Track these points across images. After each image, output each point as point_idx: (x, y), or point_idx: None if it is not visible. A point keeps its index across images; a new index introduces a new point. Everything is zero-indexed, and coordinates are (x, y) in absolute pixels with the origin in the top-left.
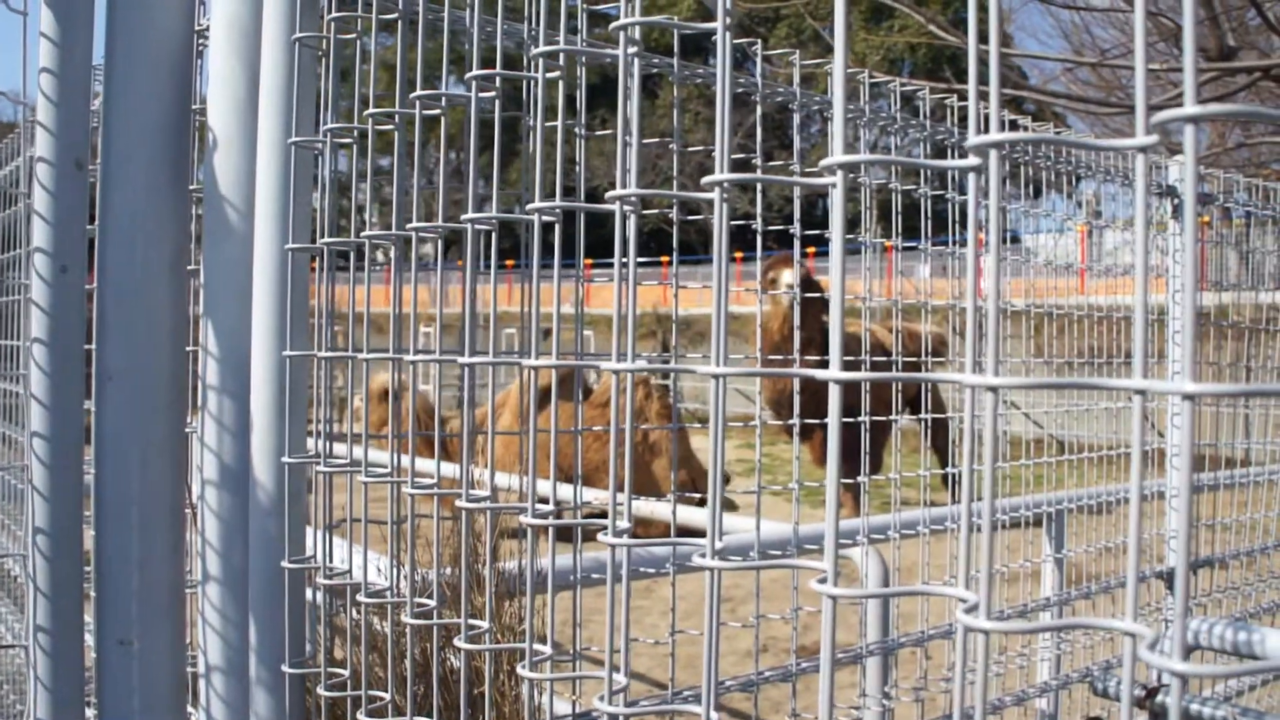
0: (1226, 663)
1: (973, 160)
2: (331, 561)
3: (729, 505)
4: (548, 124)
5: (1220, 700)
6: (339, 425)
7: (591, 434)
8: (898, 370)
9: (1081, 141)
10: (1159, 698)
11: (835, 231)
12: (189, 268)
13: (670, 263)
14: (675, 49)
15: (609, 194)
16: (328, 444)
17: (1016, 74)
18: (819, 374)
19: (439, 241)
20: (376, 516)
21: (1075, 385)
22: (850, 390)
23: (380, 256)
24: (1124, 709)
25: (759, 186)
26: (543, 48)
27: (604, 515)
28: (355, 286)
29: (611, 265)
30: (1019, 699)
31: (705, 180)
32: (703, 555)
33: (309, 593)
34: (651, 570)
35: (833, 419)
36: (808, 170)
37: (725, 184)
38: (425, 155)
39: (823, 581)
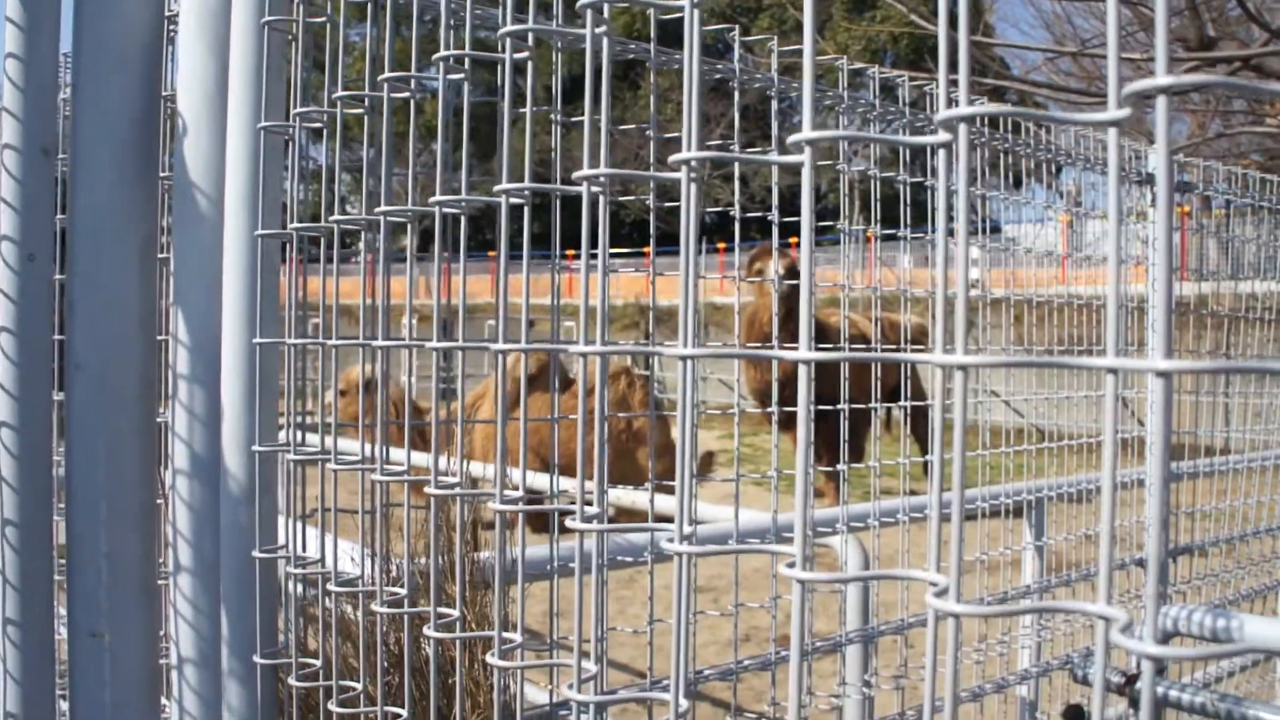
0: (1206, 649)
1: (943, 136)
2: (305, 551)
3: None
4: (519, 108)
5: (1200, 686)
6: (314, 414)
7: (572, 423)
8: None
9: (1054, 116)
10: (1138, 684)
11: (805, 209)
12: (160, 256)
13: (651, 253)
14: (652, 33)
15: (576, 174)
16: (301, 433)
17: (998, 64)
18: (789, 355)
19: (409, 227)
20: (359, 508)
21: (1047, 364)
22: (830, 380)
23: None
24: (1096, 691)
25: (736, 173)
26: (510, 27)
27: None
28: (326, 273)
29: (591, 255)
30: (999, 686)
31: (673, 159)
32: (671, 540)
33: (290, 583)
34: (629, 559)
35: (802, 398)
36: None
37: (693, 162)
38: (405, 145)
39: (791, 566)
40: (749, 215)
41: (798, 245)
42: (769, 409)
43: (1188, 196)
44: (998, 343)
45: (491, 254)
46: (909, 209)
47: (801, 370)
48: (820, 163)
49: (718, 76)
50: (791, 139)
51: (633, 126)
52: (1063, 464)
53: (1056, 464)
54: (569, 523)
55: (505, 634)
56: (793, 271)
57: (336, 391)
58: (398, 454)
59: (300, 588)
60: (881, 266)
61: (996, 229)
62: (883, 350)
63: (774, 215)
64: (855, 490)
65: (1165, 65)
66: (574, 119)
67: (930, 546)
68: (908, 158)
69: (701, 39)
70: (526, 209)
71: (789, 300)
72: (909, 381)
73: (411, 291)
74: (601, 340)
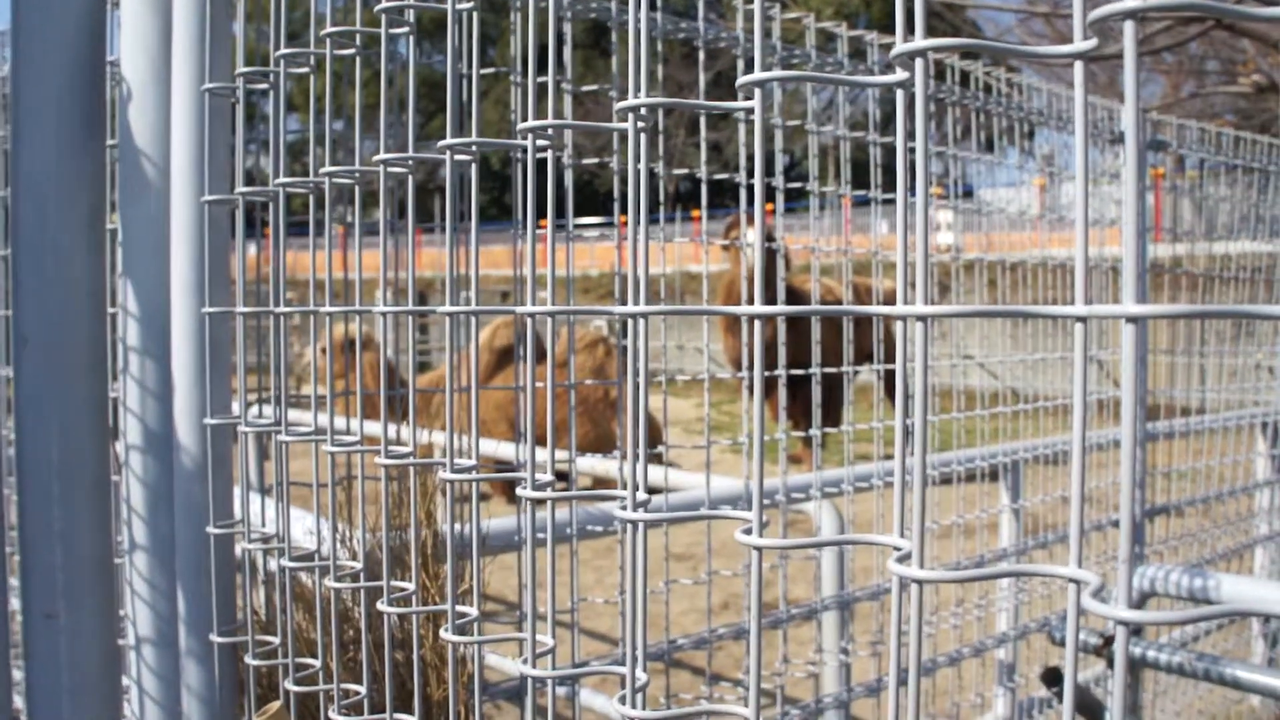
0: (1183, 609)
1: (899, 75)
2: (264, 525)
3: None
4: (471, 65)
5: (1177, 646)
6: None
7: (544, 392)
8: (848, 324)
9: (1019, 49)
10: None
11: (758, 158)
12: (110, 227)
13: (620, 219)
14: None
15: (521, 126)
16: (258, 405)
17: (970, 26)
18: (747, 310)
19: (356, 191)
20: (327, 480)
21: (1013, 313)
22: (805, 346)
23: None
24: (1069, 656)
25: (704, 136)
26: None
27: (564, 475)
28: (275, 238)
29: (563, 225)
30: (977, 650)
31: (619, 106)
32: (624, 508)
33: (248, 558)
34: (599, 529)
35: (757, 355)
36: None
37: (642, 110)
38: (369, 114)
39: (748, 532)
40: (717, 178)
41: (772, 212)
42: (741, 374)
43: (1161, 157)
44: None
45: (463, 224)
46: (879, 171)
47: (757, 325)
48: (789, 123)
49: (681, 36)
50: (740, 81)
51: (596, 87)
52: (1038, 426)
53: (1032, 426)
54: (518, 491)
55: (460, 608)
56: (768, 238)
57: (285, 358)
58: (371, 427)
59: (261, 563)
60: (857, 232)
61: (970, 193)
62: (854, 317)
63: (742, 177)
64: (834, 456)
65: None
66: (541, 80)
67: (896, 510)
68: (878, 118)
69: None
70: (474, 167)
71: (764, 271)
72: (882, 345)
73: (362, 261)
74: (552, 302)
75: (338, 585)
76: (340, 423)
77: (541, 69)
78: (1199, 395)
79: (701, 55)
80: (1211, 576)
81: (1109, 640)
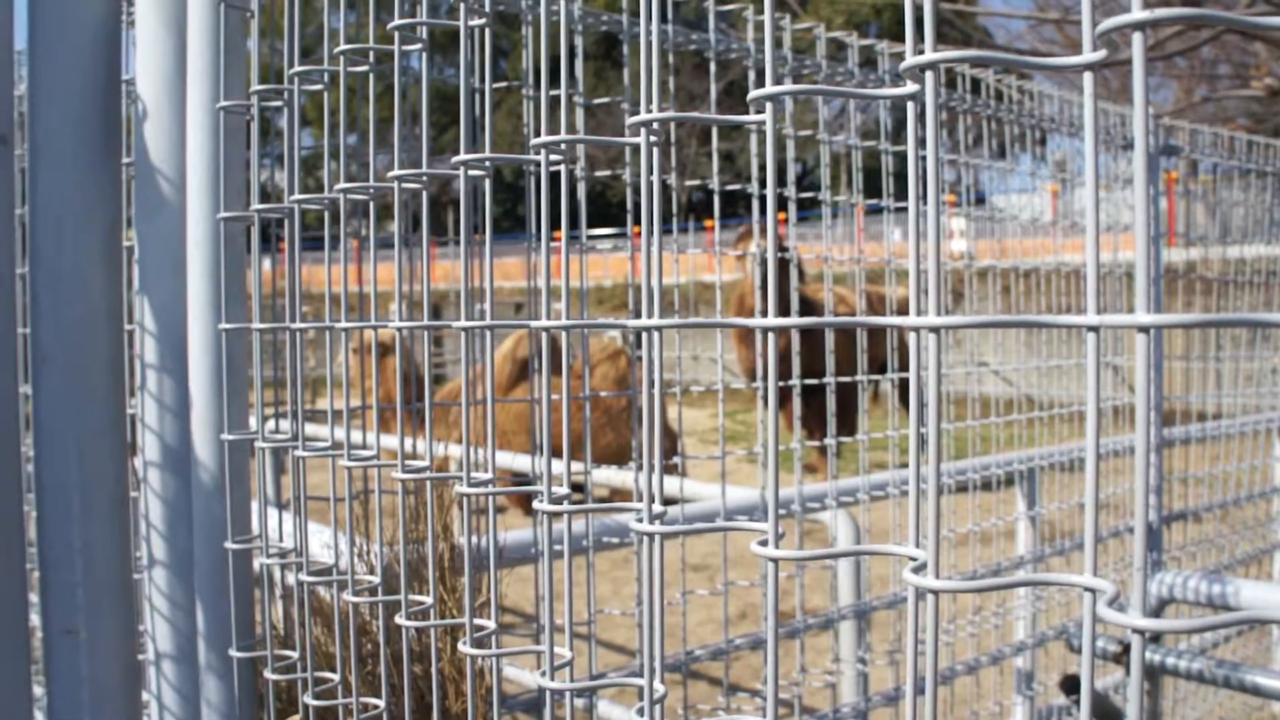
0: (1203, 615)
1: (910, 87)
2: (282, 540)
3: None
4: (483, 81)
5: (1197, 652)
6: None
7: (574, 404)
8: (861, 334)
9: (1027, 61)
10: None
11: (770, 169)
12: (126, 244)
13: (636, 230)
14: (623, 5)
15: (534, 142)
16: (274, 420)
17: (981, 33)
18: (755, 322)
19: (371, 208)
20: (346, 494)
21: (1024, 323)
22: (818, 355)
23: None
24: (1084, 666)
25: (715, 145)
26: None
27: (580, 487)
28: (290, 254)
29: (576, 237)
30: (995, 658)
31: (631, 121)
32: (640, 520)
33: (266, 574)
34: (615, 540)
35: (771, 367)
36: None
37: (654, 125)
38: (384, 129)
39: (764, 543)
40: (730, 188)
41: (785, 222)
42: (755, 384)
43: (1175, 161)
44: (985, 314)
45: (477, 237)
46: (891, 179)
47: (770, 338)
48: (801, 133)
49: (691, 47)
50: (752, 95)
51: (608, 99)
52: (1054, 433)
53: (1048, 433)
54: (535, 504)
55: (478, 620)
56: (780, 248)
57: (301, 375)
58: (387, 440)
59: (280, 577)
60: (870, 240)
61: (983, 200)
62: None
63: (754, 187)
64: (849, 465)
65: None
66: (553, 92)
67: (911, 519)
68: (889, 126)
69: (676, 8)
70: (488, 182)
71: (777, 282)
72: (895, 354)
73: (374, 273)
74: (566, 314)
75: (356, 599)
76: (357, 436)
77: (553, 82)
78: (1215, 400)
79: (713, 66)
80: (1230, 582)
81: (1128, 647)
